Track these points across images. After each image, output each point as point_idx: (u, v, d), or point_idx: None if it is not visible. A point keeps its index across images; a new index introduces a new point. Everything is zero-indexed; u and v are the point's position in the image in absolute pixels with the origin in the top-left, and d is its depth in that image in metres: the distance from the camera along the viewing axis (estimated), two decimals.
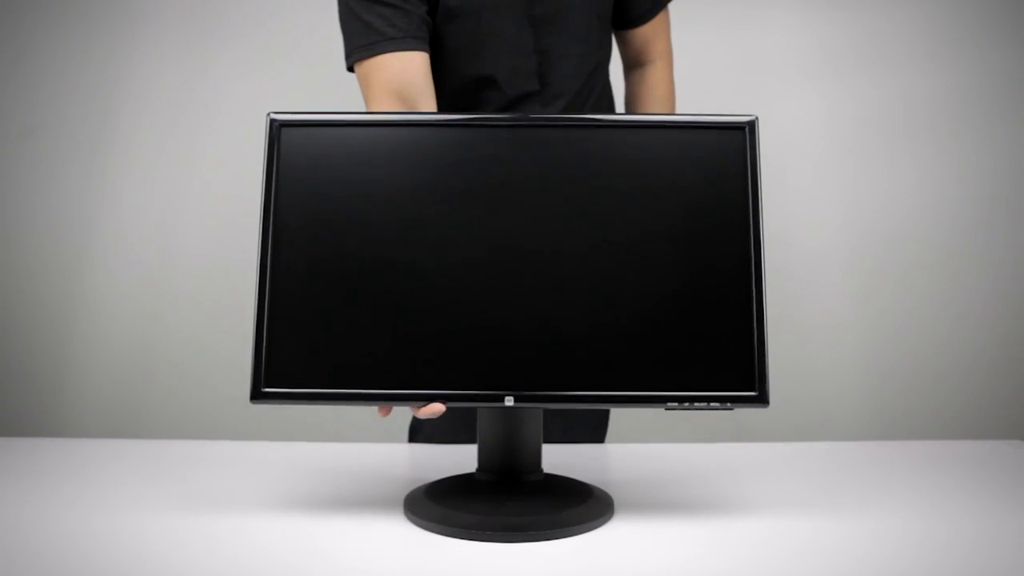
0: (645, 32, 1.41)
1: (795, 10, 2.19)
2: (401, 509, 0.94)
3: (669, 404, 0.89)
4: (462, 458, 1.11)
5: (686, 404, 0.89)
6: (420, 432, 1.40)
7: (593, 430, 1.42)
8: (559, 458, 1.10)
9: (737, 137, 0.93)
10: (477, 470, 0.98)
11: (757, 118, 0.93)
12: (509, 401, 0.89)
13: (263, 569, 0.79)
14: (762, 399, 0.89)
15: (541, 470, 0.98)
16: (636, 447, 1.22)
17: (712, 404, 0.89)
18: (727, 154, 0.92)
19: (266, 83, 2.15)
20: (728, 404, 0.89)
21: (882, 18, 2.17)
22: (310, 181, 0.92)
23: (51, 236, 2.18)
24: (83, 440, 1.27)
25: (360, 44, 1.24)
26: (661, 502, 0.98)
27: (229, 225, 2.11)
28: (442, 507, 0.90)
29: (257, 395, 0.89)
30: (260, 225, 0.91)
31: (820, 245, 2.19)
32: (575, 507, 0.91)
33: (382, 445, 1.22)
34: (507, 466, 0.95)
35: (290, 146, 0.93)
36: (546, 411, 0.98)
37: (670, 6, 1.43)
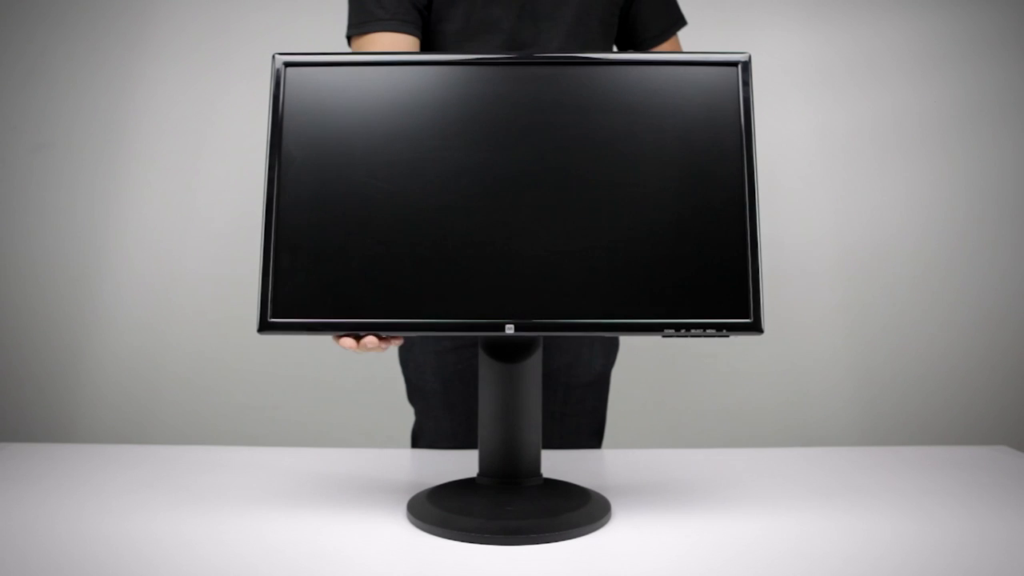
0: None
1: (788, 25, 2.21)
2: (404, 512, 0.96)
3: (666, 331, 0.90)
4: (463, 463, 1.13)
5: (682, 331, 0.90)
6: (422, 438, 1.43)
7: (591, 436, 1.44)
8: (558, 463, 1.13)
9: (731, 73, 0.95)
10: (478, 475, 0.99)
11: (751, 56, 0.95)
12: (510, 329, 0.90)
13: (270, 570, 0.81)
14: (756, 327, 0.90)
15: (540, 475, 0.99)
16: (632, 452, 1.24)
17: (708, 331, 0.90)
18: (722, 90, 0.94)
19: None
20: (724, 331, 0.90)
21: (874, 33, 2.20)
22: (314, 118, 0.94)
23: (62, 246, 2.20)
24: (94, 446, 1.29)
25: (354, 22, 1.31)
26: (657, 505, 0.99)
27: (236, 237, 2.13)
28: (444, 511, 0.92)
29: (265, 326, 0.90)
30: (266, 161, 0.93)
31: (811, 254, 2.21)
32: (573, 511, 0.92)
33: (385, 450, 1.24)
34: (507, 471, 0.96)
35: (295, 85, 0.95)
36: (546, 415, 0.99)
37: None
